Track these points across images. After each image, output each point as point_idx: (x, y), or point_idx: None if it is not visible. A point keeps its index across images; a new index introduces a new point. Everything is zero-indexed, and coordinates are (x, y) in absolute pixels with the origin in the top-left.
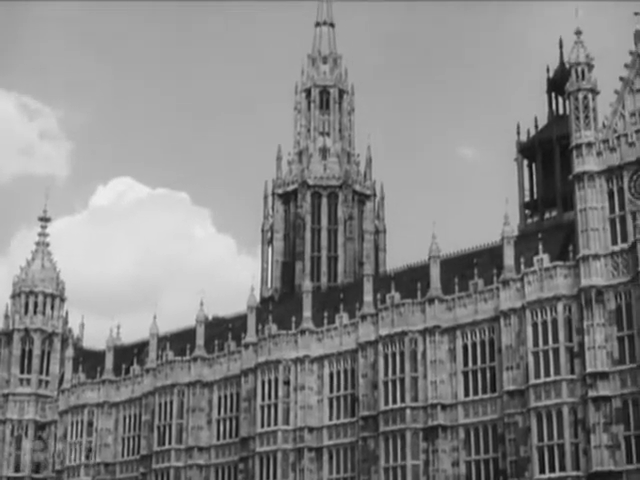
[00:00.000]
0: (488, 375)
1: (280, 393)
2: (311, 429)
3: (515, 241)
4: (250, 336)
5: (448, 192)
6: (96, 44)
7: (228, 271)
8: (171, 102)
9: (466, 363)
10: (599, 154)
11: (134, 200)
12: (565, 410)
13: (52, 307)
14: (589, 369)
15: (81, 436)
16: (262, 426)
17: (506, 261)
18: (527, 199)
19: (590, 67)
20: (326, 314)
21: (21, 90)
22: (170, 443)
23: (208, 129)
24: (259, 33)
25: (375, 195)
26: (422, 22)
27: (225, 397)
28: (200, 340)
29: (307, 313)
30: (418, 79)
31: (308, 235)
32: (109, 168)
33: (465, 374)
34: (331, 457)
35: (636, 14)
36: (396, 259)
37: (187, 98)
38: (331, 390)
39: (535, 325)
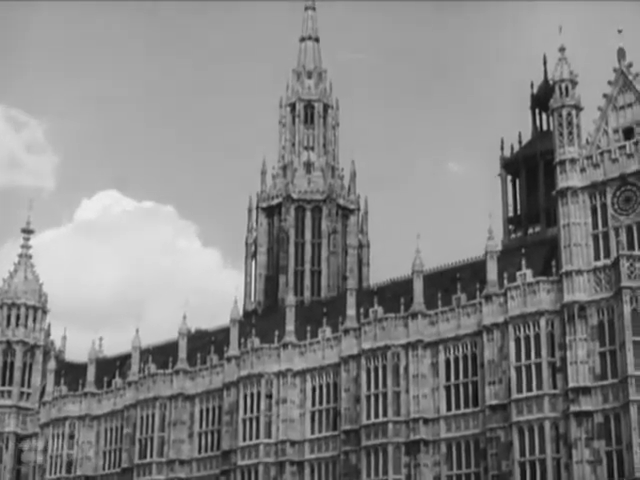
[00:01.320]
0: (470, 389)
1: (262, 406)
2: (293, 443)
3: (498, 256)
4: (233, 349)
5: (431, 207)
6: (83, 57)
7: (214, 284)
8: (158, 116)
9: (448, 377)
10: (582, 170)
11: (120, 213)
12: (547, 425)
13: (34, 319)
14: (571, 384)
15: (62, 449)
16: (244, 439)
17: (489, 276)
18: (511, 214)
19: (574, 84)
20: (309, 328)
21: (8, 102)
22: (151, 456)
23: (194, 143)
24: (244, 47)
25: (359, 209)
26: (408, 38)
27: (207, 410)
28: (182, 353)
29: (290, 327)
30: (403, 94)
31: (292, 249)
32: (95, 181)
33: (447, 388)
34: (313, 471)
35: (619, 32)
36: (379, 273)
37: (173, 112)
38: (313, 404)
39: (518, 340)
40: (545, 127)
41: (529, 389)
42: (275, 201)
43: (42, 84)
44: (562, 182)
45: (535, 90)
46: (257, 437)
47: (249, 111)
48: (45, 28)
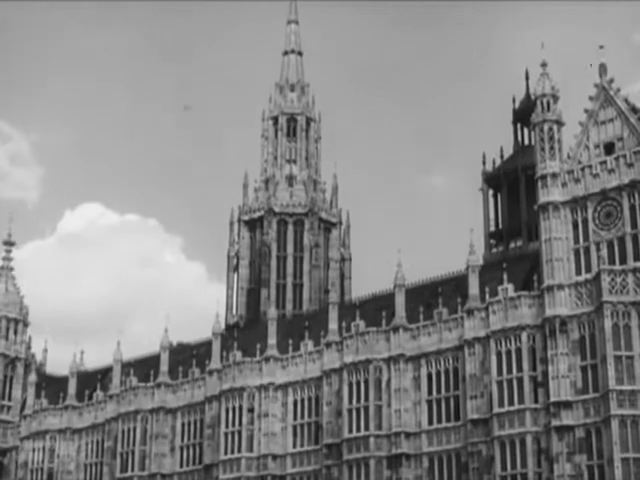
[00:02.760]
0: (452, 404)
1: (244, 420)
2: (275, 457)
3: (480, 271)
4: (214, 363)
5: (414, 221)
6: (69, 69)
7: (198, 298)
8: (142, 129)
9: (430, 392)
10: (564, 185)
11: (104, 226)
12: (529, 439)
13: (15, 332)
14: (553, 398)
15: (43, 462)
16: (226, 453)
17: (471, 290)
18: (492, 229)
19: (555, 99)
20: (291, 341)
21: None
22: (133, 470)
23: (178, 156)
24: (227, 60)
25: (341, 223)
26: (390, 52)
27: (189, 424)
28: (164, 366)
29: (272, 340)
30: (385, 108)
31: (274, 262)
32: (79, 194)
33: (429, 403)
34: None
35: (601, 47)
36: (361, 287)
37: (157, 125)
38: (295, 417)
39: (499, 354)
40: (527, 142)
41: (511, 403)
42: (257, 214)
43: (27, 96)
44: (543, 197)
45: (517, 105)
46: (239, 451)
47: (232, 124)
48: (30, 41)
